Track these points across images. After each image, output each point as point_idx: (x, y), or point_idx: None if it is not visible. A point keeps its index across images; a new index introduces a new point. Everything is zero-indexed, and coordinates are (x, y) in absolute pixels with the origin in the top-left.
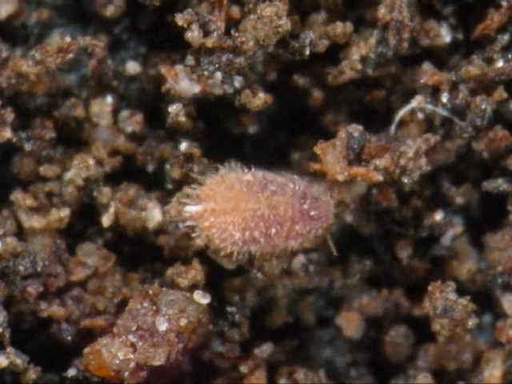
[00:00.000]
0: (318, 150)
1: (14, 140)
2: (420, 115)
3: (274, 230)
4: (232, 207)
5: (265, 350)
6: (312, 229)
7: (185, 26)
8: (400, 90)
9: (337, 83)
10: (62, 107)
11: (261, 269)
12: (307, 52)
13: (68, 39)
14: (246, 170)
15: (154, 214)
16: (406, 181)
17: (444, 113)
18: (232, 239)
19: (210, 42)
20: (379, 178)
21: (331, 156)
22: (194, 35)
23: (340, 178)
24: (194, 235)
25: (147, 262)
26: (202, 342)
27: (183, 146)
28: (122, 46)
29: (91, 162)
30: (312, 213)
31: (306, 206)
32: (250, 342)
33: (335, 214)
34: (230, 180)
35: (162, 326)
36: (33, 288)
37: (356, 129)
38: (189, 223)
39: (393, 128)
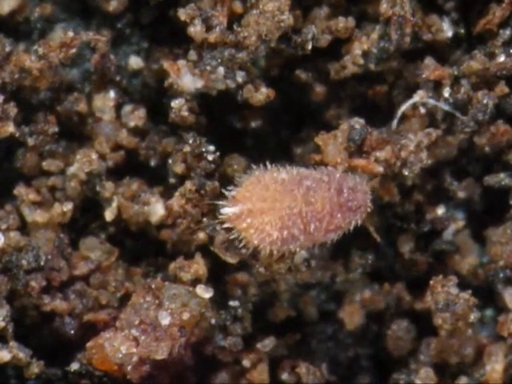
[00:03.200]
0: (319, 140)
1: (17, 135)
2: (422, 110)
3: (312, 226)
4: (268, 207)
5: (267, 344)
6: (351, 220)
7: (187, 20)
8: (402, 84)
9: (339, 78)
10: (64, 102)
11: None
12: (309, 47)
13: (71, 34)
14: (281, 169)
15: (156, 209)
16: (406, 173)
17: (446, 107)
18: (270, 239)
19: (212, 37)
20: (380, 169)
21: (332, 147)
22: (196, 30)
23: (340, 169)
24: (231, 237)
25: (150, 257)
26: (205, 336)
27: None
28: (124, 41)
29: (94, 156)
30: (350, 204)
31: (343, 199)
32: (253, 336)
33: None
34: (265, 180)
35: (165, 320)
36: (36, 282)
37: (358, 121)
38: (226, 225)
39: (395, 122)
